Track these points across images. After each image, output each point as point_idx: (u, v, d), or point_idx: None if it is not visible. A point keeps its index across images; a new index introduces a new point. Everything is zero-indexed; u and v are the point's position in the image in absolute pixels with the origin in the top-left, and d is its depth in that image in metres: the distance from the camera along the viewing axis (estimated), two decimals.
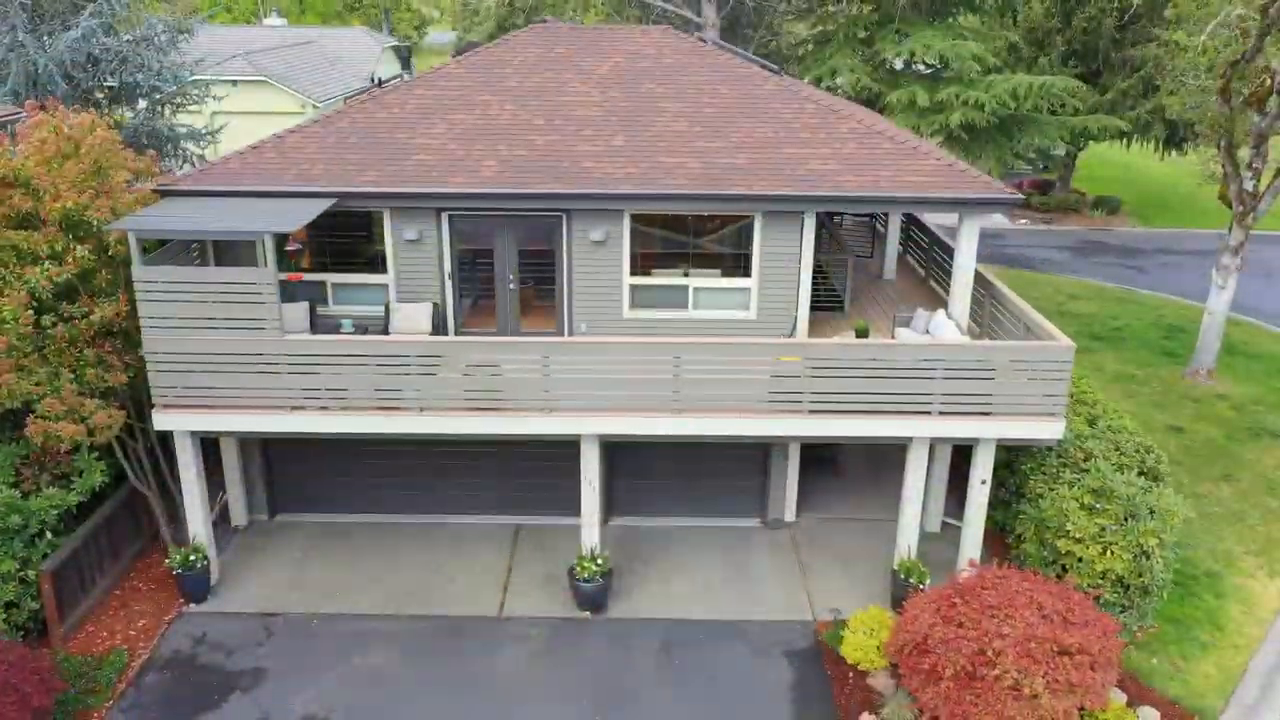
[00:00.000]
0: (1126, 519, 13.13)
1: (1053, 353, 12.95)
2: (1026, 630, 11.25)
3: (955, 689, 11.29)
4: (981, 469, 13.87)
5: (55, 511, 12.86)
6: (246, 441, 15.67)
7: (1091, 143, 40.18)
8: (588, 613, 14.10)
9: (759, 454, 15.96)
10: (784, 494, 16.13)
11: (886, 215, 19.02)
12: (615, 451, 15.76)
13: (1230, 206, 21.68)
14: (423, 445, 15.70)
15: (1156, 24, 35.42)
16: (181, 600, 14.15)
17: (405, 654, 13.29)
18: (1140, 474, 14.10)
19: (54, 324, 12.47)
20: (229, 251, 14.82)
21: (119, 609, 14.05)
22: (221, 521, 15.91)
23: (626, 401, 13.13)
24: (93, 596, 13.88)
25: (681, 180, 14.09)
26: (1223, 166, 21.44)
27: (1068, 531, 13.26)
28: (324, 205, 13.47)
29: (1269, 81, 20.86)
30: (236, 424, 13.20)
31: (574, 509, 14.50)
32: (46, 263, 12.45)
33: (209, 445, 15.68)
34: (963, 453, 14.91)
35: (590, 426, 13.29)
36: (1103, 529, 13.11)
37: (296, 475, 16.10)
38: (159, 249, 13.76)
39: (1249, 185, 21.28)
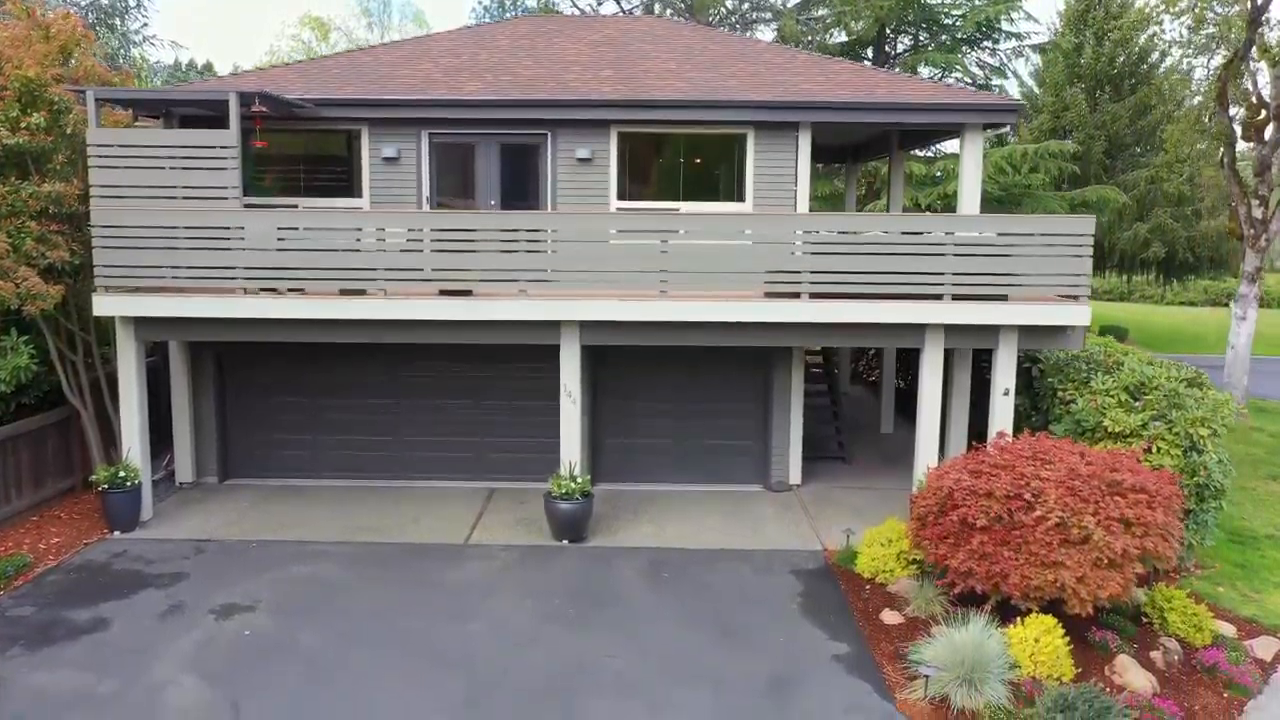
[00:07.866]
0: (1171, 410, 11.66)
1: (1073, 224, 11.96)
2: (1070, 470, 9.67)
3: (990, 542, 9.53)
4: (1003, 377, 12.52)
5: None
6: (200, 390, 14.39)
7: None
8: (565, 540, 12.35)
9: (759, 410, 14.59)
10: (787, 455, 14.58)
11: None
12: (601, 404, 14.44)
13: (1241, 239, 21.18)
14: (392, 396, 14.47)
15: (1146, 152, 36.39)
16: (106, 528, 12.48)
17: (352, 565, 11.51)
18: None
19: None
20: None
21: (32, 529, 12.38)
22: (166, 482, 14.40)
23: (611, 281, 12.05)
24: (2, 512, 12.24)
25: (670, 93, 13.64)
26: (1229, 190, 21.11)
27: (1105, 429, 11.75)
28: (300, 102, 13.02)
29: (1264, 112, 20.93)
30: (185, 308, 12.04)
31: (553, 473, 13.05)
32: None
33: (157, 397, 14.51)
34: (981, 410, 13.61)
35: (570, 312, 12.10)
36: (1145, 424, 11.63)
37: (253, 434, 14.68)
38: None
39: (1257, 213, 20.88)
